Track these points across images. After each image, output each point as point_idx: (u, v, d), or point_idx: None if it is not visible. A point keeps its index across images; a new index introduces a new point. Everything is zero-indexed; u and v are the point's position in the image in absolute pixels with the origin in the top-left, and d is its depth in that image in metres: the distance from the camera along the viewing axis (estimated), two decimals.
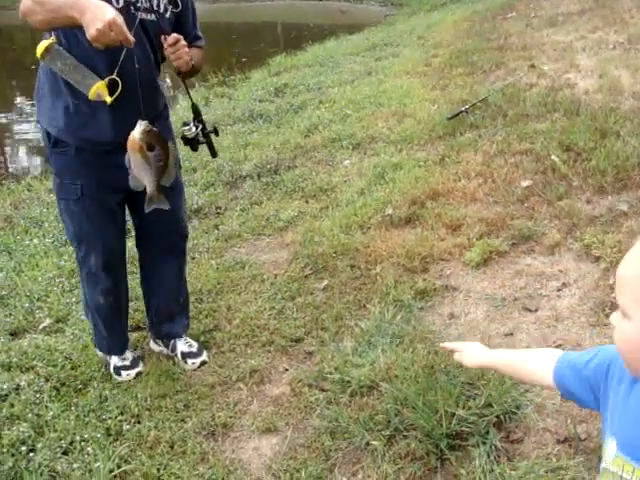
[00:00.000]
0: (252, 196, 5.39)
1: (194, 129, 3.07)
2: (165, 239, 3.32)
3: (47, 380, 3.37)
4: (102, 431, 3.00)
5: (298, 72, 10.42)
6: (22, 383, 3.32)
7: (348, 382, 3.06)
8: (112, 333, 3.45)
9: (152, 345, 3.68)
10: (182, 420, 3.06)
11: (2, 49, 20.26)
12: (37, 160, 9.51)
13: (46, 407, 3.18)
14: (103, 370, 3.44)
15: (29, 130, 10.84)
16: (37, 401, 3.22)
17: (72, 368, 3.47)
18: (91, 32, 2.42)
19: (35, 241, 5.09)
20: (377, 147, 5.98)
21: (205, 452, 2.87)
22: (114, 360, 3.45)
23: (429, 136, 5.91)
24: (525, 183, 4.56)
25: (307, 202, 5.14)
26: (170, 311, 3.51)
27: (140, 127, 2.71)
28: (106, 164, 2.96)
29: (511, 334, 3.28)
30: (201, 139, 3.11)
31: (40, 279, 4.43)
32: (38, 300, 4.18)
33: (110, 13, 2.43)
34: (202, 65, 3.21)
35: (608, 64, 7.07)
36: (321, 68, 10.35)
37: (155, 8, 2.88)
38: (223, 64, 12.49)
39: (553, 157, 4.79)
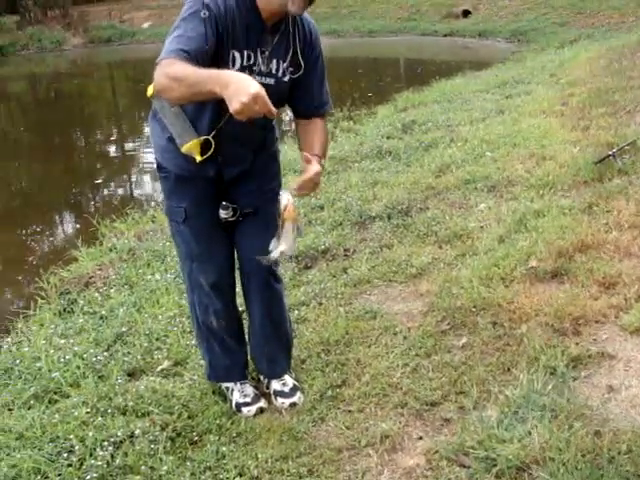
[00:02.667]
0: (382, 238, 5.09)
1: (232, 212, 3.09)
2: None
3: (163, 429, 3.18)
4: None
5: (426, 108, 10.13)
6: (137, 431, 3.13)
7: (494, 460, 2.70)
8: (231, 356, 3.38)
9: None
10: None
11: (135, 80, 20.94)
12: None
13: (160, 460, 2.99)
14: (219, 422, 3.23)
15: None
16: (151, 452, 3.04)
17: (189, 417, 3.28)
18: (235, 106, 2.36)
19: (157, 276, 4.97)
20: (515, 191, 5.58)
21: None
22: (235, 396, 3.35)
23: (573, 181, 5.46)
24: None
25: (441, 247, 4.80)
26: (270, 345, 3.41)
27: (290, 196, 2.82)
28: (207, 190, 3.05)
29: None
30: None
31: (160, 317, 4.28)
32: (157, 340, 4.03)
33: (255, 87, 2.38)
34: (326, 140, 3.14)
35: None
36: (449, 105, 10.02)
37: (274, 72, 2.86)
38: (348, 98, 12.37)
39: None
